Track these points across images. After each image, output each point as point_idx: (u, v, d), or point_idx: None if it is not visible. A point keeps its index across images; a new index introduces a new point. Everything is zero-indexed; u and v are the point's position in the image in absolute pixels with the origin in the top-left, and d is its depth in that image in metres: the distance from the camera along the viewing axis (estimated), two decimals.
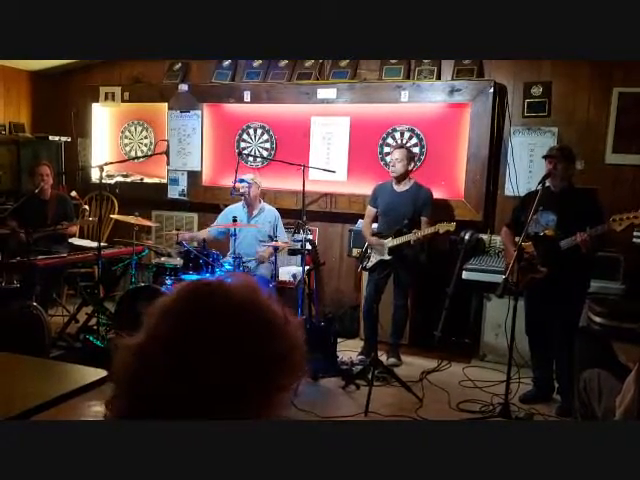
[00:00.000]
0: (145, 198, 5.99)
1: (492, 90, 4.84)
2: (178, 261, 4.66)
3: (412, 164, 4.58)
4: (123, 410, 0.89)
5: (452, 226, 4.17)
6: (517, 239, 3.74)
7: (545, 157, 3.83)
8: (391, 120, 5.28)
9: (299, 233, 4.64)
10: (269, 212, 5.04)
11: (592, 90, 4.75)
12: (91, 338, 4.49)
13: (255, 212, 5.01)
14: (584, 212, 3.65)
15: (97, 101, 6.24)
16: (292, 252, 4.95)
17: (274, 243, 4.64)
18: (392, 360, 4.59)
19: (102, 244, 4.67)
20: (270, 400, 0.90)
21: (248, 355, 0.87)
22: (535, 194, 3.64)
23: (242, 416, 0.86)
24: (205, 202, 5.87)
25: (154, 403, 0.86)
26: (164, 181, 6.06)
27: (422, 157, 5.18)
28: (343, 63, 5.46)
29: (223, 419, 0.85)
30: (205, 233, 5.06)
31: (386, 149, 5.27)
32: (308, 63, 5.55)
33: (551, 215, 3.75)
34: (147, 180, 6.19)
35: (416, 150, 5.10)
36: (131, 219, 4.71)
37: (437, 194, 4.75)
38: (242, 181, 4.88)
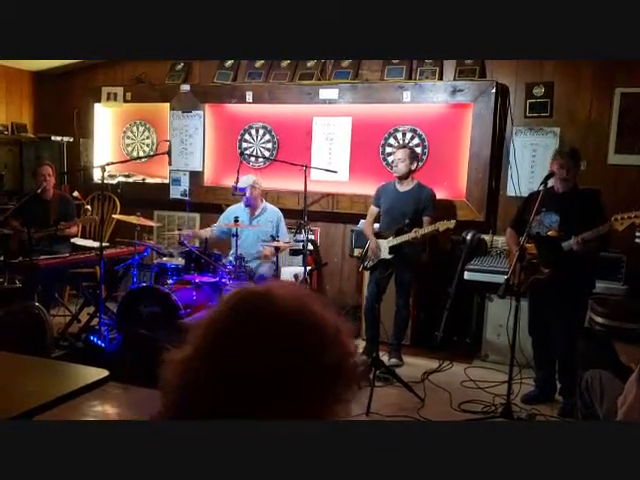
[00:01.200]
0: (147, 198, 6.00)
1: (494, 90, 4.84)
2: (180, 261, 4.67)
3: (415, 164, 4.57)
4: None
5: (452, 224, 4.15)
6: (520, 239, 3.73)
7: (553, 159, 3.81)
8: (393, 120, 5.28)
9: (301, 233, 4.63)
10: (271, 212, 5.04)
11: (594, 90, 4.75)
12: (93, 338, 4.49)
13: (257, 212, 5.01)
14: (587, 213, 3.64)
15: (99, 101, 6.25)
16: (294, 252, 4.96)
17: (275, 243, 4.64)
18: (394, 360, 4.59)
19: (104, 244, 4.67)
20: (328, 413, 0.87)
21: (301, 367, 0.84)
22: (538, 194, 3.64)
23: None
24: (207, 202, 5.88)
25: (203, 417, 0.83)
26: (166, 181, 6.07)
27: (424, 157, 5.17)
28: (345, 63, 5.45)
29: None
30: (208, 232, 5.06)
31: (388, 149, 5.27)
32: (310, 63, 5.55)
33: (554, 216, 3.74)
34: (149, 180, 6.20)
35: (418, 150, 5.10)
36: (133, 219, 4.71)
37: (439, 194, 4.74)
38: (241, 189, 4.84)
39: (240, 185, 4.83)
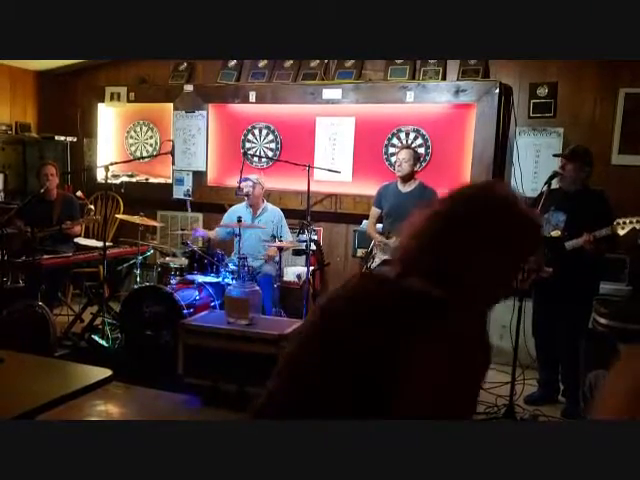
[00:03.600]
0: (150, 198, 6.00)
1: (498, 90, 4.82)
2: (183, 261, 4.67)
3: (417, 165, 4.57)
4: (283, 403, 0.92)
5: None
6: None
7: (555, 155, 3.82)
8: (396, 120, 5.27)
9: (304, 233, 4.63)
10: (272, 212, 5.04)
11: (598, 91, 4.74)
12: (96, 337, 4.50)
13: (259, 212, 5.01)
14: (594, 214, 3.62)
15: (103, 101, 6.25)
16: (297, 252, 4.96)
17: (278, 243, 4.64)
18: None
19: (107, 244, 4.68)
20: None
21: (509, 251, 1.13)
22: (549, 193, 3.64)
23: None
24: (210, 202, 5.88)
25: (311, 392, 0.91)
26: (169, 181, 6.07)
27: (427, 158, 5.17)
28: (348, 63, 5.45)
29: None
30: (213, 234, 5.06)
31: (391, 149, 5.26)
32: (313, 63, 5.55)
33: (561, 215, 3.74)
34: (152, 180, 6.20)
35: (421, 150, 5.09)
36: (136, 219, 4.72)
37: (442, 194, 4.73)
38: (246, 179, 4.89)
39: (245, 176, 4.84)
